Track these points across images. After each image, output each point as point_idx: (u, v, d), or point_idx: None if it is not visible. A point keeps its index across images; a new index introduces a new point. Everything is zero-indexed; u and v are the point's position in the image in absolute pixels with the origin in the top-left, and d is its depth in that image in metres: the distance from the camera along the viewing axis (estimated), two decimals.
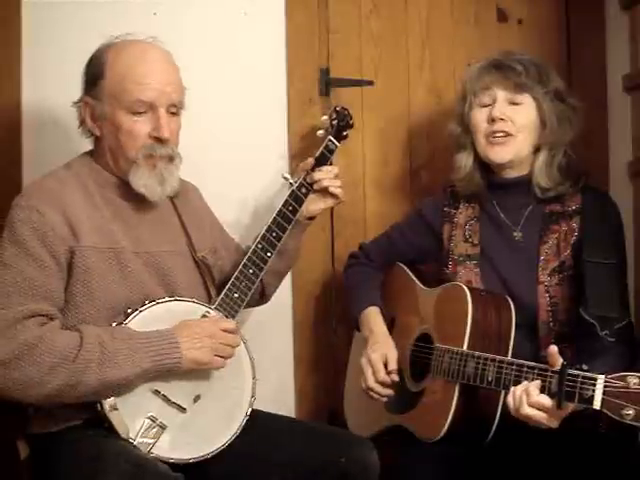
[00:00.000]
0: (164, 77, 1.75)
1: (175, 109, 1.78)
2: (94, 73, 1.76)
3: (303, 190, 2.01)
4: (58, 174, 1.78)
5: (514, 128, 1.91)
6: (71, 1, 2.26)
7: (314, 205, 2.07)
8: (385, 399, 1.97)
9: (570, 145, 1.94)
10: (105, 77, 1.74)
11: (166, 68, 1.77)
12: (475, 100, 1.95)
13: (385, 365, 1.96)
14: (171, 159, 1.78)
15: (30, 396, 1.59)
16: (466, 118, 1.98)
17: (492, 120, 1.92)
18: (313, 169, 2.04)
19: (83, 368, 1.59)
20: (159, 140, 1.74)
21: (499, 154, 1.93)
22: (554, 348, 1.57)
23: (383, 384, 1.95)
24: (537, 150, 1.94)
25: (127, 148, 1.74)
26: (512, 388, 1.61)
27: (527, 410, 1.56)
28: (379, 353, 1.97)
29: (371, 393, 1.97)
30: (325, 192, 2.06)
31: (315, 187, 2.03)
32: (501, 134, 1.91)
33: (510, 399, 1.60)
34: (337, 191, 2.06)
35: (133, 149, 1.74)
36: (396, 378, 1.95)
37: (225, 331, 1.75)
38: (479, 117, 1.95)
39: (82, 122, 1.80)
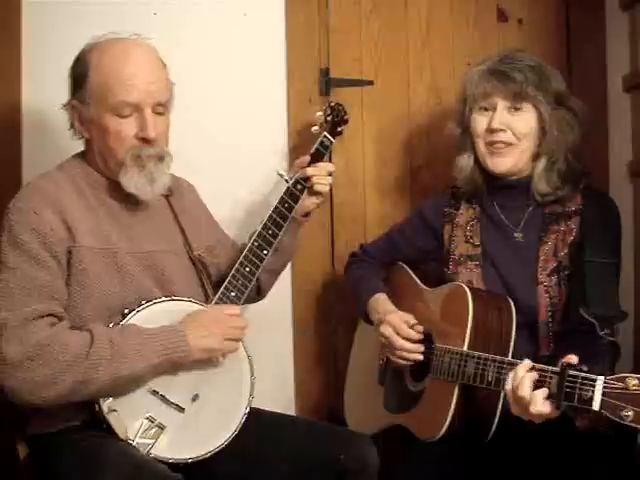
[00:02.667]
0: (148, 77, 1.72)
1: (162, 108, 1.75)
2: (79, 75, 1.74)
3: (298, 187, 2.00)
4: (51, 176, 1.77)
5: (514, 137, 1.90)
6: (71, 1, 2.26)
7: (307, 201, 2.06)
8: (420, 357, 1.92)
9: (571, 150, 1.93)
10: (89, 79, 1.72)
11: (150, 67, 1.74)
12: (475, 105, 1.95)
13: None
14: (161, 158, 1.76)
15: (42, 397, 1.58)
16: (466, 120, 1.98)
17: (491, 131, 1.91)
18: (309, 165, 2.03)
19: (95, 365, 1.59)
20: (146, 141, 1.72)
21: (498, 165, 1.93)
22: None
23: (410, 339, 1.93)
24: (537, 157, 1.93)
25: (115, 150, 1.73)
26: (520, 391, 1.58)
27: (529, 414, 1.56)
28: (395, 316, 1.96)
29: (403, 354, 1.94)
30: (312, 190, 2.04)
31: (309, 183, 2.02)
32: (501, 145, 1.91)
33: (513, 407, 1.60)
34: (319, 188, 2.04)
35: (121, 151, 1.72)
36: (421, 329, 1.93)
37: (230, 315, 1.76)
38: (479, 123, 1.94)
39: (72, 125, 1.79)
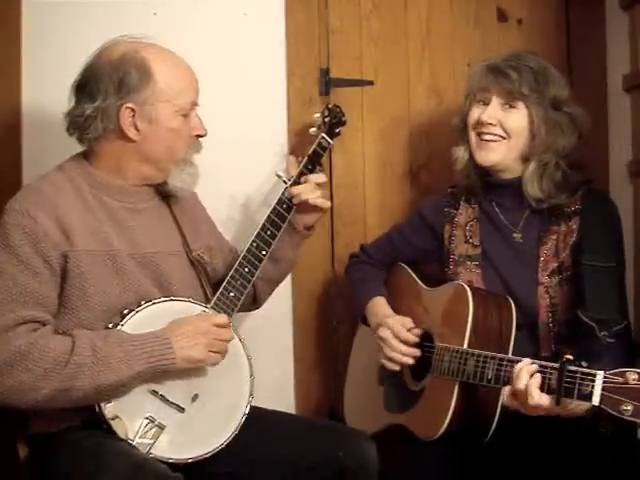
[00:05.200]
0: (195, 77, 1.82)
1: None
2: (138, 79, 1.71)
3: (284, 206, 1.97)
4: (51, 177, 1.76)
5: (504, 133, 1.90)
6: (71, 1, 2.26)
7: (307, 217, 2.04)
8: (412, 361, 1.93)
9: (565, 157, 1.90)
10: (156, 82, 1.72)
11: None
12: (474, 99, 1.96)
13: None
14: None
15: (23, 402, 1.58)
16: (466, 114, 1.99)
17: (481, 123, 1.92)
18: (306, 166, 2.02)
19: (75, 373, 1.58)
20: (199, 137, 1.84)
21: (484, 158, 1.93)
22: None
23: (407, 343, 1.94)
24: (528, 158, 1.92)
25: (178, 149, 1.80)
26: (508, 387, 1.61)
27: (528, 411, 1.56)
28: (394, 319, 1.97)
29: (397, 356, 1.94)
30: (307, 205, 1.99)
31: (294, 202, 1.96)
32: (489, 137, 1.91)
33: (510, 400, 1.60)
34: (317, 201, 1.99)
35: (184, 149, 1.81)
36: (418, 332, 1.94)
37: (217, 326, 1.74)
38: (473, 114, 1.95)
39: (104, 127, 1.73)
